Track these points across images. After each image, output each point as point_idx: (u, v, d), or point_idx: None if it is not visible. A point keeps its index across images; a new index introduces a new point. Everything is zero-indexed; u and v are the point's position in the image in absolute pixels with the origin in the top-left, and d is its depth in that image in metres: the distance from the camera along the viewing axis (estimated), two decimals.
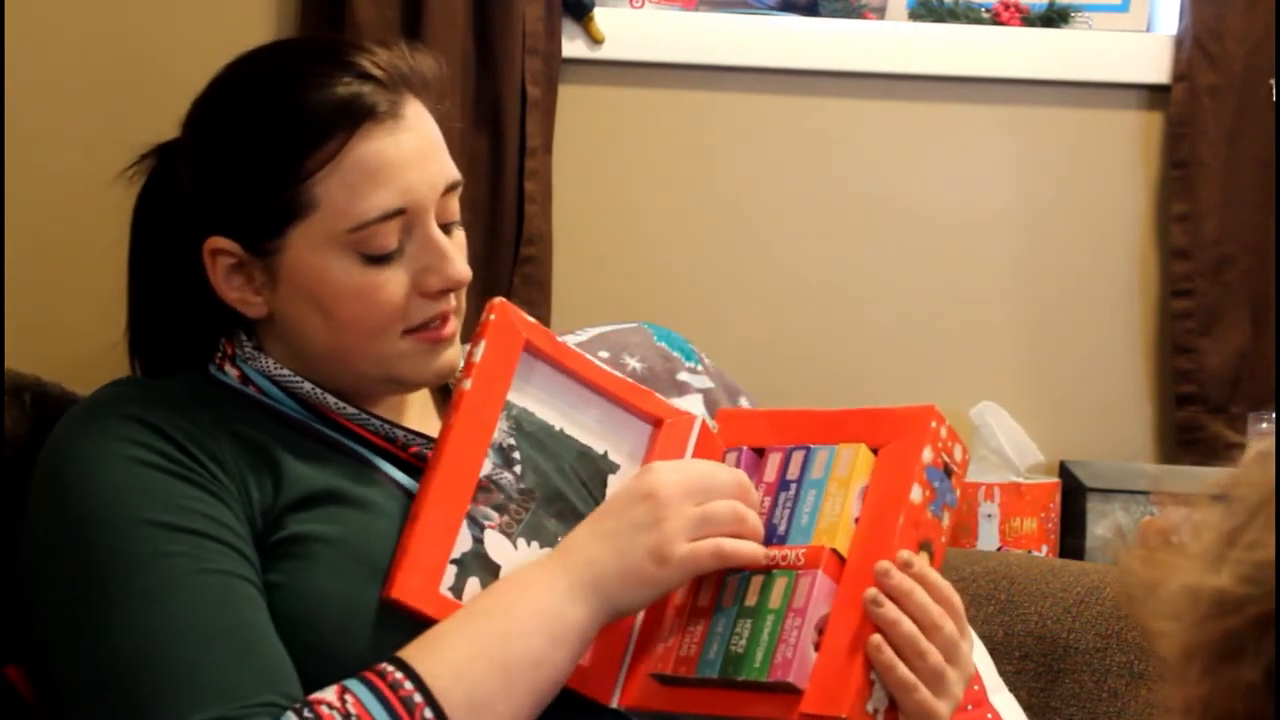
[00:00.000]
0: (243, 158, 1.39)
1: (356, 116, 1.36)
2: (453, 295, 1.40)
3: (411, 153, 1.37)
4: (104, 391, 1.40)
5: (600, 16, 2.26)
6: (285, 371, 1.41)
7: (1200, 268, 2.31)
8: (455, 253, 1.39)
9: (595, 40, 2.26)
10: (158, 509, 1.29)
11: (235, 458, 1.34)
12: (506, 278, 2.21)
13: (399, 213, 1.36)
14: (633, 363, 1.99)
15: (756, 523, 1.33)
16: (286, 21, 2.19)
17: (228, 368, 1.43)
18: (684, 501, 1.30)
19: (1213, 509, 0.77)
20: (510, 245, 2.20)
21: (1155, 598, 0.77)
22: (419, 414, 1.48)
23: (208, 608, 1.26)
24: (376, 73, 1.38)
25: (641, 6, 2.34)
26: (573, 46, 2.25)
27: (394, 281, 1.37)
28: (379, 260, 1.36)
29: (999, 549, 2.18)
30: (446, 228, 1.40)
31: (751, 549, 1.31)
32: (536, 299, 2.21)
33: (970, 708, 1.74)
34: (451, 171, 1.41)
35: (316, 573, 1.31)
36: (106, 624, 1.26)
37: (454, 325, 1.41)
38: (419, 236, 1.37)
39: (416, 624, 1.30)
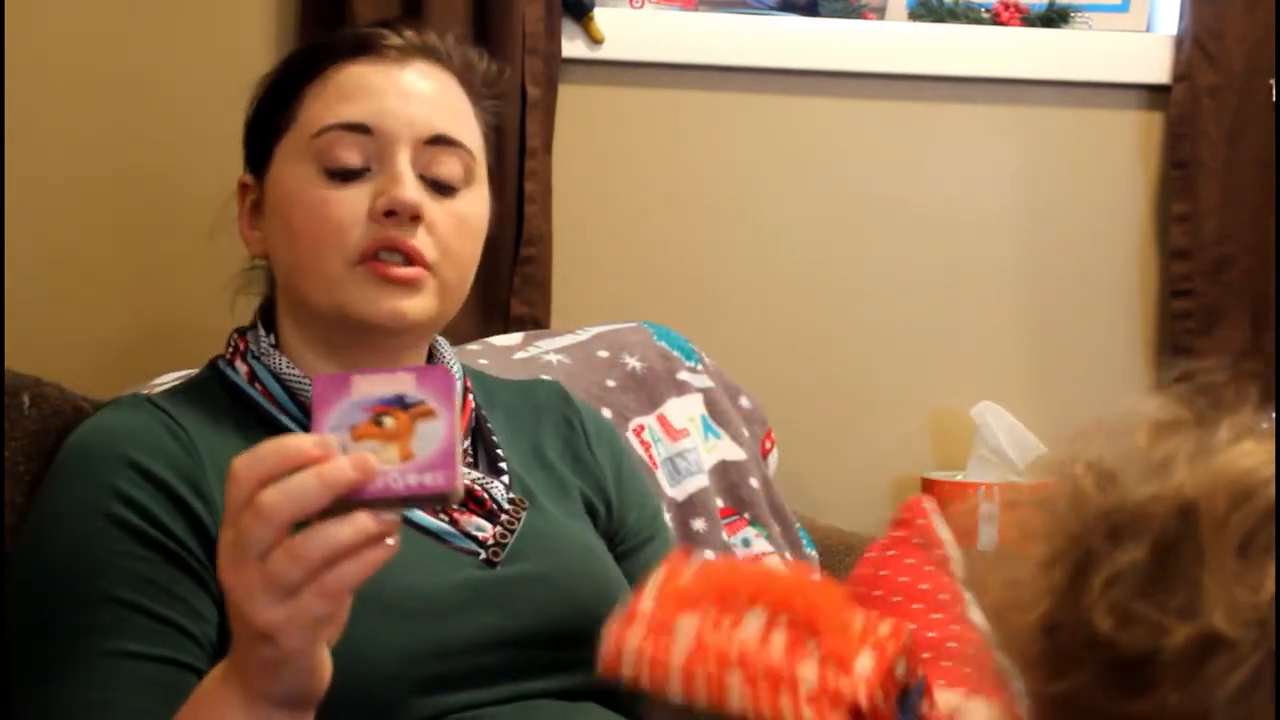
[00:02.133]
0: (264, 91, 1.46)
1: (358, 47, 1.41)
2: (420, 237, 1.36)
3: (396, 88, 1.39)
4: (108, 416, 1.38)
5: (600, 16, 2.26)
6: (295, 371, 1.40)
7: (1200, 268, 2.32)
8: (412, 182, 1.37)
9: (595, 40, 2.26)
10: (121, 584, 1.27)
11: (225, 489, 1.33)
12: (506, 278, 2.21)
13: (362, 129, 1.37)
14: (632, 362, 1.99)
15: (325, 541, 1.02)
16: (286, 21, 2.19)
17: (238, 363, 1.43)
18: (241, 571, 1.04)
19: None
20: (510, 245, 2.20)
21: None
22: None
23: (139, 693, 1.24)
24: (405, 32, 1.42)
25: (641, 6, 2.34)
26: (573, 46, 2.25)
27: (348, 201, 1.36)
28: (338, 176, 1.37)
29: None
30: (443, 188, 1.39)
31: (339, 541, 1.02)
32: (536, 299, 2.21)
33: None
34: (441, 124, 1.40)
35: None
36: (43, 675, 1.25)
37: (416, 273, 1.37)
38: (386, 166, 1.38)
39: (403, 662, 1.29)
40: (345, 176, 1.37)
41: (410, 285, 1.37)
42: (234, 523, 1.03)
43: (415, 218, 1.36)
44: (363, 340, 1.40)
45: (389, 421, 1.03)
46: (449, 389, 1.04)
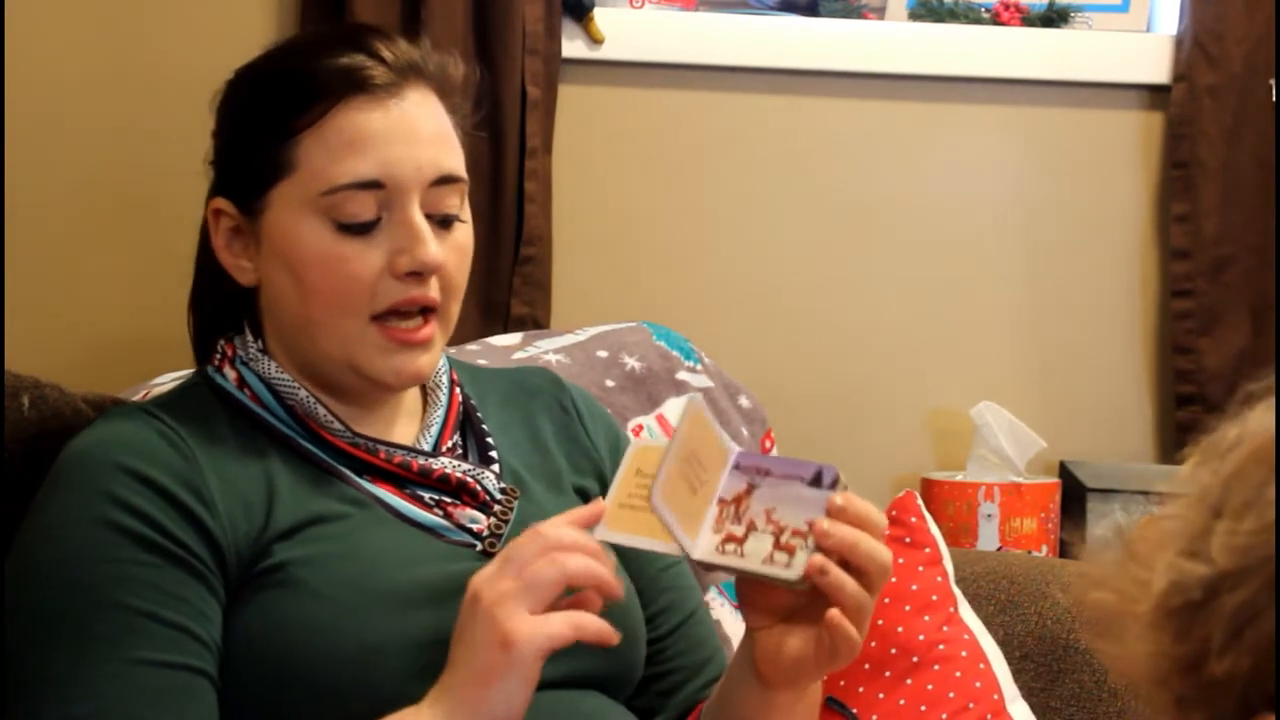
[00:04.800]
0: (243, 116, 1.41)
1: (349, 86, 1.36)
2: (434, 288, 1.37)
3: (399, 131, 1.37)
4: (101, 427, 1.37)
5: (600, 16, 2.26)
6: (284, 376, 1.40)
7: (1200, 268, 2.31)
8: (431, 237, 1.36)
9: (595, 40, 2.26)
10: (127, 590, 1.27)
11: (225, 492, 1.32)
12: (506, 278, 2.21)
13: (375, 185, 1.35)
14: (631, 362, 1.99)
15: (582, 561, 1.23)
16: (286, 21, 2.19)
17: (226, 369, 1.42)
18: (499, 583, 1.22)
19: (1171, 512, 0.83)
20: (510, 245, 2.20)
21: (1129, 614, 0.83)
22: (407, 417, 1.46)
23: (152, 701, 1.25)
24: (385, 55, 1.38)
25: (641, 6, 2.34)
26: (573, 46, 2.25)
27: (364, 257, 1.35)
28: (351, 231, 1.35)
29: (999, 549, 2.18)
30: (444, 221, 1.39)
31: (594, 573, 1.23)
32: (536, 299, 2.21)
33: (990, 718, 1.73)
34: (447, 164, 1.39)
35: (302, 602, 1.30)
36: (53, 686, 1.25)
37: (430, 331, 1.38)
38: (398, 217, 1.36)
39: (407, 650, 1.29)
40: (359, 230, 1.36)
41: (425, 345, 1.38)
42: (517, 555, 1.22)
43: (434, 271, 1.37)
44: (362, 387, 1.41)
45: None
46: None
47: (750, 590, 1.29)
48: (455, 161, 1.40)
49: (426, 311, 1.38)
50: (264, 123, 1.38)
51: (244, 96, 1.42)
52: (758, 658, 1.30)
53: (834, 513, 1.24)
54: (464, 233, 1.41)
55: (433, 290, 1.37)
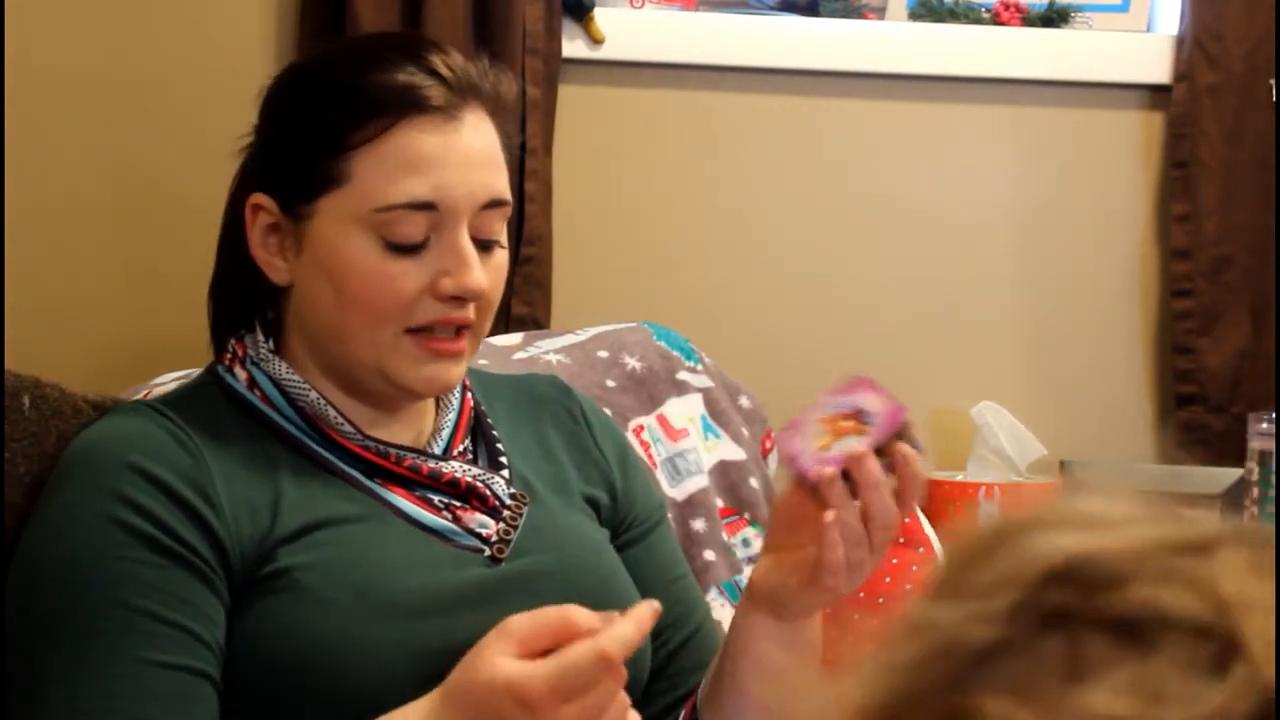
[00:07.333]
0: (296, 120, 1.40)
1: (409, 104, 1.36)
2: (471, 309, 1.37)
3: (456, 154, 1.36)
4: (108, 424, 1.37)
5: (600, 16, 2.26)
6: (295, 377, 1.40)
7: (1200, 268, 2.32)
8: (477, 264, 1.36)
9: (595, 40, 2.26)
10: (132, 590, 1.27)
11: (231, 493, 1.32)
12: (507, 278, 2.20)
13: (428, 206, 1.35)
14: (632, 362, 1.99)
15: (625, 704, 1.25)
16: (286, 22, 2.19)
17: (237, 369, 1.42)
18: (555, 701, 1.21)
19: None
20: (510, 245, 2.20)
21: None
22: (419, 420, 1.46)
23: (153, 702, 1.25)
24: (444, 72, 1.38)
25: (641, 6, 2.34)
26: (573, 46, 2.25)
27: (409, 275, 1.35)
28: (399, 250, 1.35)
29: None
30: (487, 245, 1.39)
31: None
32: (536, 299, 2.21)
33: None
34: (498, 189, 1.39)
35: (307, 608, 1.30)
36: (54, 684, 1.25)
37: (464, 344, 1.38)
38: (446, 239, 1.36)
39: (411, 659, 1.29)
40: (408, 250, 1.36)
41: (458, 357, 1.38)
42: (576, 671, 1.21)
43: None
44: (391, 393, 1.41)
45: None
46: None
47: (786, 506, 1.38)
48: (504, 185, 1.40)
49: (461, 329, 1.38)
50: (317, 132, 1.38)
51: (297, 100, 1.41)
52: (768, 577, 1.37)
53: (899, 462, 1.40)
54: (502, 256, 1.41)
55: (470, 312, 1.38)
